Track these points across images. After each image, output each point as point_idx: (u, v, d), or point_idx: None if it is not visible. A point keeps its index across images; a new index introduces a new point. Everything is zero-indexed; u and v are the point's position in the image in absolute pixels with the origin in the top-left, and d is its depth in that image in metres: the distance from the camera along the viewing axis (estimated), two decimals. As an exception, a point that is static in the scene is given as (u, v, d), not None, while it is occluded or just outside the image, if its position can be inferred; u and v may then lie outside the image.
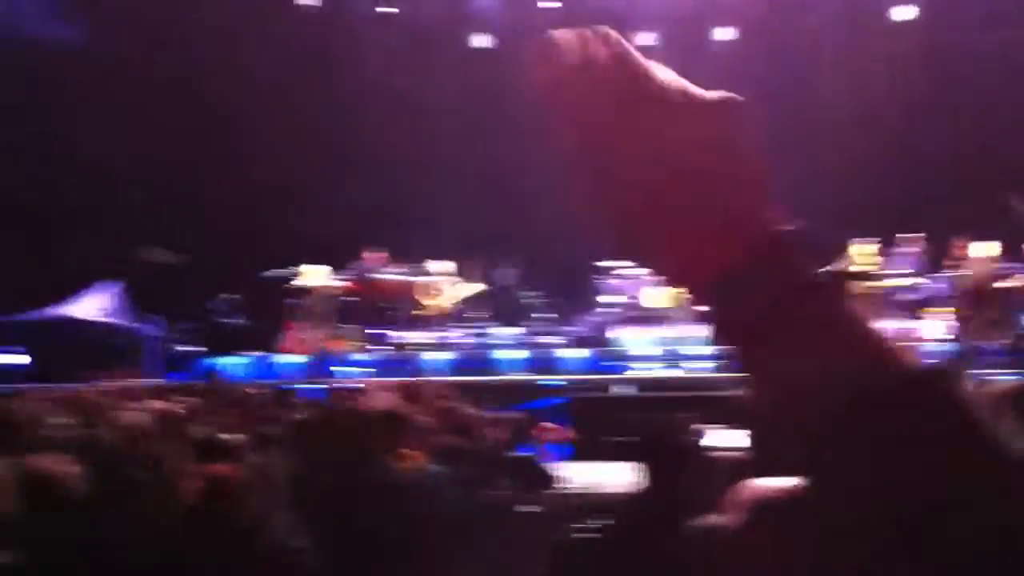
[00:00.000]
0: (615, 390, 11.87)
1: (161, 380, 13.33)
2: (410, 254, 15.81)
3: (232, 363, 14.44)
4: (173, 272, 16.42)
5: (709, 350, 14.06)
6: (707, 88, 0.81)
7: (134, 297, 16.06)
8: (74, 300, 15.88)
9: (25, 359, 15.09)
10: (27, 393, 8.78)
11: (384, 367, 14.00)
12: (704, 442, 4.29)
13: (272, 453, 4.91)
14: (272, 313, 15.48)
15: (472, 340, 15.20)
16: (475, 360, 14.04)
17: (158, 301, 15.55)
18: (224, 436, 5.01)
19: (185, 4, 16.96)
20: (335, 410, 5.47)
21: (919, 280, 13.64)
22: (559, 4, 17.99)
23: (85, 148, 16.31)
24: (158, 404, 5.04)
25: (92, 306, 16.04)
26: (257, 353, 14.82)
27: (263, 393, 7.78)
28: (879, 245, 13.92)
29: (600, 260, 14.99)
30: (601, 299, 15.08)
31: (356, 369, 13.93)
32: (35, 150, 15.92)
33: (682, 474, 3.84)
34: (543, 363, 13.86)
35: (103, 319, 15.90)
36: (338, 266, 15.60)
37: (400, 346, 14.94)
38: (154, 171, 16.58)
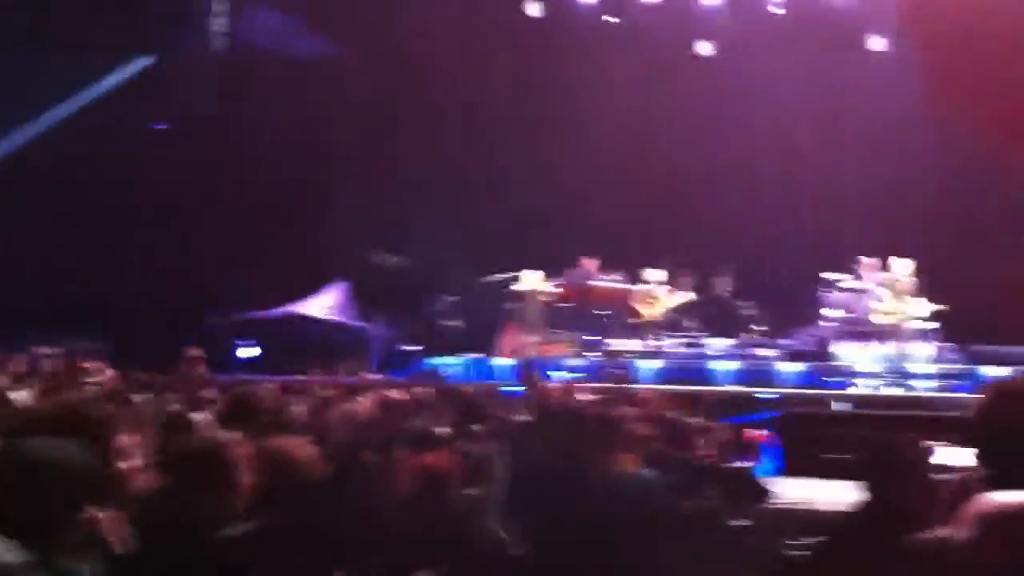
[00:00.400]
0: (835, 406, 11.48)
1: (382, 377, 13.89)
2: (625, 262, 15.83)
3: (449, 363, 14.84)
4: (397, 274, 17.06)
5: (935, 369, 13.44)
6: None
7: (360, 297, 16.78)
8: (304, 299, 16.75)
9: (256, 351, 16.05)
10: (263, 383, 9.34)
11: (596, 373, 14.05)
12: (932, 460, 4.13)
13: (486, 448, 5.05)
14: (490, 317, 15.84)
15: (685, 349, 15.06)
16: (687, 370, 13.90)
17: (382, 302, 16.18)
18: (439, 429, 5.20)
19: (412, 13, 17.54)
20: (550, 410, 5.56)
21: None
22: (783, 11, 17.58)
23: (320, 151, 17.16)
24: (386, 394, 5.27)
25: (320, 305, 16.88)
26: (474, 355, 15.19)
27: (478, 392, 7.99)
28: None
29: (824, 272, 14.56)
30: (824, 312, 14.59)
31: (569, 374, 14.04)
32: (273, 157, 16.83)
33: (906, 492, 3.71)
34: (757, 375, 13.58)
35: (330, 317, 16.69)
36: (554, 272, 15.79)
37: (613, 353, 14.96)
38: (387, 177, 17.22)
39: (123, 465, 2.80)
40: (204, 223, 16.70)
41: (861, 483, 3.89)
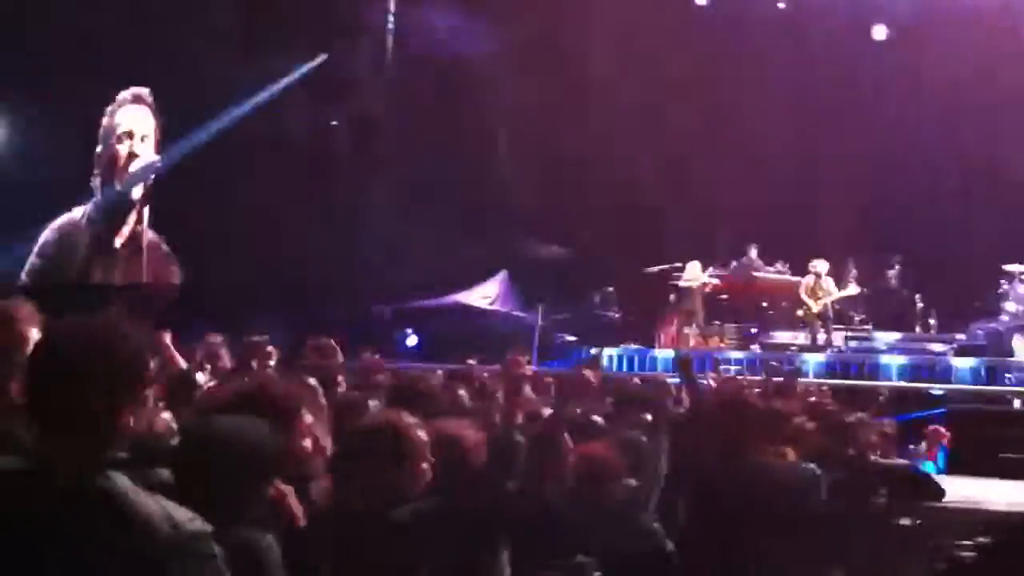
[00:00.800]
0: (1011, 403, 10.99)
1: (541, 367, 14.05)
2: (791, 252, 15.54)
3: (609, 354, 14.90)
4: (559, 264, 17.19)
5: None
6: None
7: (520, 287, 17.00)
8: (466, 289, 17.07)
9: (414, 340, 16.47)
10: (427, 370, 9.60)
11: (758, 365, 13.87)
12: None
13: (646, 439, 5.09)
14: (650, 308, 15.82)
15: (852, 343, 14.67)
16: (854, 364, 13.55)
17: (543, 292, 16.34)
18: (598, 419, 5.27)
19: (580, 8, 17.59)
20: (711, 402, 5.55)
21: None
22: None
23: (488, 148, 17.42)
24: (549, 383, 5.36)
25: (482, 294, 17.17)
26: (633, 345, 15.20)
27: (638, 383, 8.02)
28: None
29: (1006, 264, 13.90)
30: (1005, 306, 13.90)
31: (729, 366, 13.91)
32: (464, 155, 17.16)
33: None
34: (927, 371, 13.11)
35: (491, 307, 16.96)
36: (718, 263, 15.65)
37: (775, 345, 14.73)
38: (544, 170, 17.38)
39: (306, 443, 2.96)
40: (373, 215, 17.21)
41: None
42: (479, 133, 17.39)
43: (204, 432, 2.57)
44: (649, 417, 5.44)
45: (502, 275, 17.26)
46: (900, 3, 17.22)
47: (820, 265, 14.91)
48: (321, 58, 17.67)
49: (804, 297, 14.87)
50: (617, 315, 16.40)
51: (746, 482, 4.65)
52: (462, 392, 5.29)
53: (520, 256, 17.30)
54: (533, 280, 16.90)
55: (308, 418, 2.96)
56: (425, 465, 3.14)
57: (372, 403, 4.47)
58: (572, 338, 16.11)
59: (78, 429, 2.03)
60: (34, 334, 2.48)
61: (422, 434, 3.17)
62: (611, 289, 16.65)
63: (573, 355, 15.28)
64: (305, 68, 17.90)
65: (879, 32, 17.66)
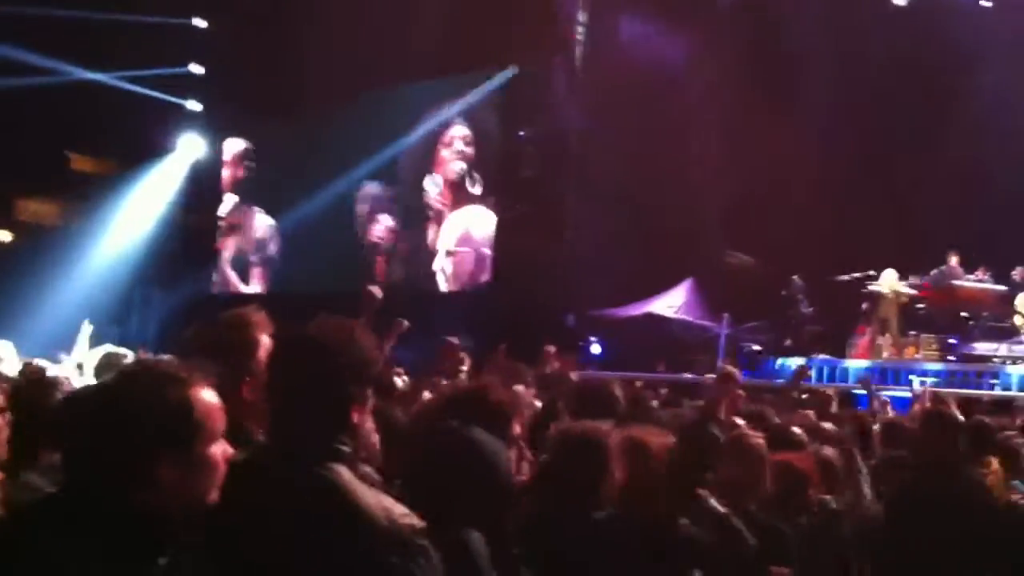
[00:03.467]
0: None
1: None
2: (995, 261, 14.79)
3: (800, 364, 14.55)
4: (748, 273, 16.92)
5: None
6: None
7: (709, 296, 16.80)
8: (654, 298, 17.02)
9: (598, 348, 16.54)
10: (612, 378, 9.64)
11: (957, 378, 13.26)
12: None
13: (845, 454, 5.00)
14: (845, 316, 15.38)
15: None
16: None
17: (732, 301, 16.11)
18: (796, 430, 5.20)
19: (775, 10, 17.28)
20: (919, 415, 5.41)
21: None
22: None
23: (677, 156, 17.33)
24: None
25: (669, 303, 17.08)
26: (826, 356, 14.82)
27: (831, 394, 7.83)
28: None
29: None
30: None
31: (927, 378, 13.35)
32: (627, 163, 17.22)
33: None
34: None
35: (679, 316, 16.85)
36: (916, 271, 15.07)
37: (976, 357, 14.04)
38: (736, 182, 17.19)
39: (513, 454, 3.06)
40: (575, 227, 17.51)
41: None
42: (672, 141, 17.27)
43: (434, 438, 2.68)
44: (847, 430, 5.34)
45: (688, 283, 17.12)
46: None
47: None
48: (512, 71, 18.10)
49: (1008, 308, 14.14)
50: (810, 324, 15.90)
51: (959, 500, 4.50)
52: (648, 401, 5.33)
53: (710, 264, 17.12)
54: (721, 288, 16.69)
55: (516, 428, 3.06)
56: (619, 475, 3.19)
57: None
58: (762, 348, 15.82)
59: (310, 425, 2.20)
60: (265, 340, 2.67)
61: (616, 442, 3.23)
62: (804, 298, 16.14)
63: (763, 365, 15.02)
64: (496, 82, 18.39)
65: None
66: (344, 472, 2.19)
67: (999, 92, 15.96)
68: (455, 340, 6.63)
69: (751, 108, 17.16)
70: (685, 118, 17.43)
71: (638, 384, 9.45)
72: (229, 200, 22.67)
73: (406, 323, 5.02)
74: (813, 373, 14.11)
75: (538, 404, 5.24)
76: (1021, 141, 15.89)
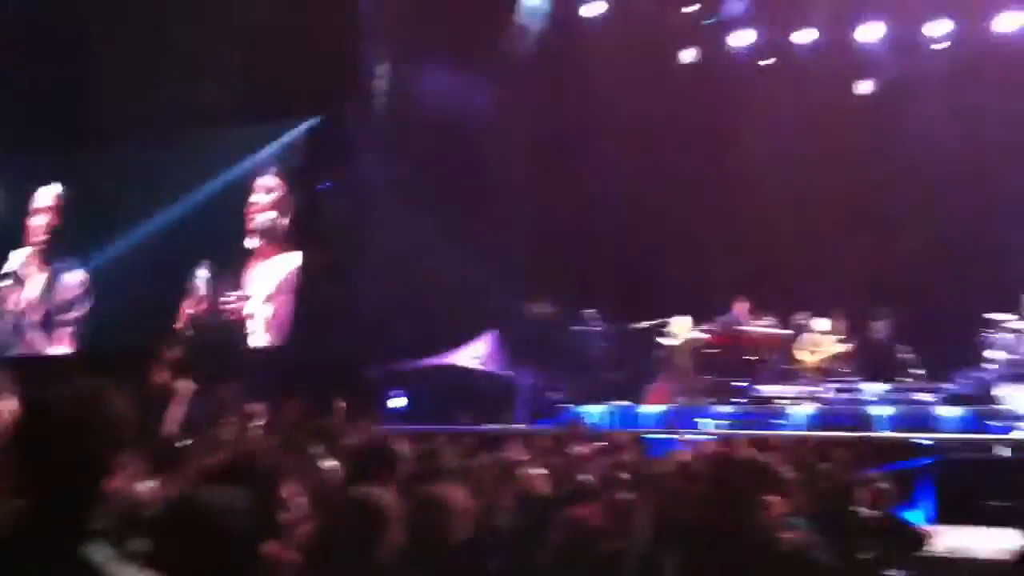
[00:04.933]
0: (997, 451, 11.01)
1: (530, 426, 14.03)
2: (780, 305, 15.61)
3: (596, 412, 14.90)
4: (547, 323, 17.19)
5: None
6: None
7: (510, 347, 16.96)
8: (455, 349, 17.04)
9: (403, 402, 16.41)
10: (413, 433, 9.57)
11: (746, 420, 13.88)
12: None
13: (630, 496, 5.09)
14: (639, 364, 15.83)
15: (838, 395, 14.69)
16: (840, 416, 13.56)
17: (532, 351, 16.33)
18: (585, 478, 5.28)
19: (569, 65, 17.85)
20: (699, 458, 5.57)
21: None
22: (948, 43, 17.13)
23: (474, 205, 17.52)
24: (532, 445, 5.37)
25: (470, 354, 17.14)
26: (621, 403, 15.19)
27: (624, 440, 8.02)
28: None
29: (988, 313, 14.03)
30: (987, 354, 14.03)
31: (717, 421, 13.90)
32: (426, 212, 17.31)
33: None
34: (914, 420, 13.14)
35: (479, 367, 16.92)
36: (706, 318, 15.69)
37: (763, 399, 14.73)
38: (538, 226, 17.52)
39: (285, 515, 2.95)
40: (369, 277, 17.34)
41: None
42: (473, 190, 17.48)
43: (187, 506, 2.56)
44: (630, 474, 5.45)
45: (491, 334, 17.24)
46: (884, 58, 17.55)
47: (819, 323, 14.98)
48: (316, 120, 17.98)
49: (799, 353, 14.92)
50: (607, 372, 16.30)
51: (737, 536, 4.65)
52: (447, 456, 5.29)
53: (509, 315, 17.31)
54: (522, 339, 16.89)
55: (290, 488, 2.96)
56: (395, 538, 3.13)
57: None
58: (561, 397, 16.07)
59: (59, 497, 2.04)
60: (10, 404, 2.50)
61: (394, 504, 3.17)
62: (601, 346, 16.57)
63: (562, 414, 15.25)
64: (302, 130, 18.24)
65: (863, 87, 17.93)
66: (101, 549, 2.04)
67: (775, 143, 17.03)
68: (239, 394, 6.42)
69: (551, 158, 17.67)
70: (487, 167, 17.70)
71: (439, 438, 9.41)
72: (19, 254, 21.36)
73: (194, 385, 4.83)
74: (608, 419, 14.53)
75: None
76: (799, 191, 16.97)
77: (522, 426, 14.21)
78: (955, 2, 16.95)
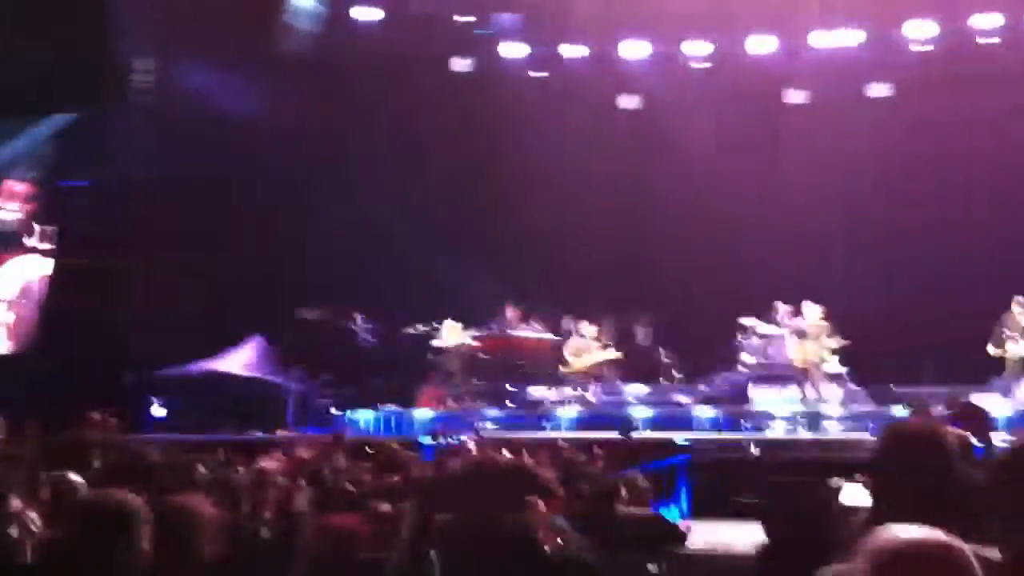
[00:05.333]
0: (748, 450, 11.63)
1: (299, 433, 13.70)
2: (548, 312, 15.93)
3: (367, 417, 14.76)
4: (317, 327, 16.86)
5: (846, 411, 13.73)
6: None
7: (279, 352, 16.52)
8: (221, 355, 16.44)
9: (163, 411, 15.71)
10: (168, 443, 9.15)
11: (515, 423, 14.09)
12: (840, 498, 4.23)
13: (399, 503, 5.00)
14: (410, 368, 15.76)
15: (603, 397, 15.15)
16: (604, 417, 13.98)
17: (300, 356, 15.98)
18: (350, 487, 5.14)
19: (340, 76, 17.59)
20: (463, 463, 5.54)
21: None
22: (709, 64, 17.96)
23: (243, 208, 16.98)
24: (293, 454, 5.20)
25: (237, 361, 16.59)
26: (392, 408, 15.10)
27: (393, 446, 7.92)
28: None
29: (740, 318, 14.84)
30: (742, 357, 14.86)
31: (488, 424, 14.02)
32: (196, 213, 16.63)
33: (811, 530, 3.77)
34: (674, 421, 13.73)
35: (246, 373, 16.41)
36: (476, 323, 15.80)
37: (532, 403, 15.01)
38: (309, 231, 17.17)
39: (14, 532, 2.73)
40: (129, 281, 16.52)
41: (764, 525, 3.95)
42: (245, 191, 16.93)
43: None
44: (399, 480, 5.37)
45: (257, 339, 16.73)
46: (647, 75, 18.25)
47: (587, 328, 15.36)
48: (73, 117, 16.91)
49: (568, 356, 15.25)
50: (377, 376, 16.15)
51: (502, 540, 4.64)
52: (203, 467, 5.05)
53: (277, 319, 16.85)
54: (291, 344, 16.48)
55: (17, 503, 2.73)
56: (147, 547, 2.93)
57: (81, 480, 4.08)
58: (331, 402, 15.79)
59: None
60: None
61: (143, 510, 2.96)
62: (373, 349, 16.39)
63: (332, 420, 15.01)
64: (56, 127, 17.11)
65: (628, 101, 18.56)
66: None
67: (546, 152, 17.40)
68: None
69: (321, 158, 17.36)
70: (258, 167, 17.19)
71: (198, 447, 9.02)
72: None
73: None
74: (378, 424, 14.44)
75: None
76: (566, 200, 17.40)
77: (287, 433, 13.87)
78: (715, 24, 17.79)
